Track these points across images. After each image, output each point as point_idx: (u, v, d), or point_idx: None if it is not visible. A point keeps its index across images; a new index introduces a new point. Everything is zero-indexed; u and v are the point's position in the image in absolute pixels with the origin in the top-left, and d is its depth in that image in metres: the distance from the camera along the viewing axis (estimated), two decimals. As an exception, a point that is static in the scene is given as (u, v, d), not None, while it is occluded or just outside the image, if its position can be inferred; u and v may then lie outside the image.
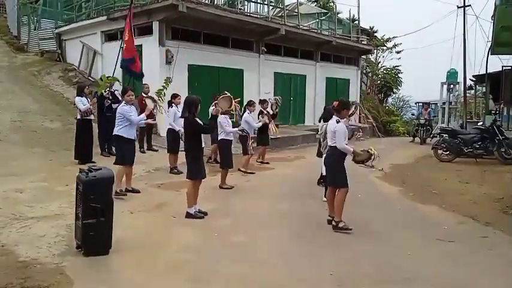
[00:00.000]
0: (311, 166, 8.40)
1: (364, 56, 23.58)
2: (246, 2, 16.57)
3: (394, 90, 27.89)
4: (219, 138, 7.59)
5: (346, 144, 5.32)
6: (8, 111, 11.37)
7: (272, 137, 11.22)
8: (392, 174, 9.70)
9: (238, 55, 14.73)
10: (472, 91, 22.91)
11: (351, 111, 8.25)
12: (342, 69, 19.98)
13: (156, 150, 10.48)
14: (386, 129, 22.90)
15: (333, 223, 5.41)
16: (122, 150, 6.60)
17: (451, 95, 18.41)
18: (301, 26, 16.68)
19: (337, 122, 5.29)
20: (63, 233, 4.95)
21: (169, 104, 8.58)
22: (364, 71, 25.78)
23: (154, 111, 7.82)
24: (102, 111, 9.37)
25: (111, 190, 4.65)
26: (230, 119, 7.82)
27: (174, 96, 8.70)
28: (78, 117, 8.85)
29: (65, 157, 8.99)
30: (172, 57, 12.31)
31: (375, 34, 27.59)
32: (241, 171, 8.86)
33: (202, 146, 5.82)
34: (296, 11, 17.19)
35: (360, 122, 20.79)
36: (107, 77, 9.15)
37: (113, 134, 6.67)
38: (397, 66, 27.72)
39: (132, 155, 6.73)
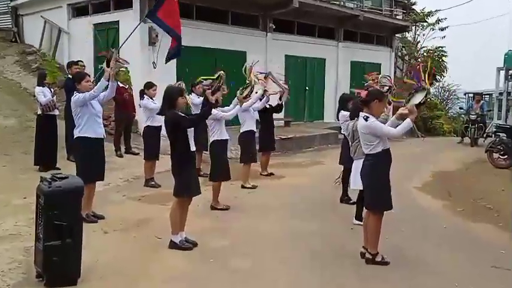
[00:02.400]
0: (332, 174, 8.39)
1: (399, 35, 23.54)
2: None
3: (438, 77, 27.79)
4: (211, 139, 7.21)
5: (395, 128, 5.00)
6: (-49, 105, 11.48)
7: (283, 137, 11.12)
8: (435, 184, 9.66)
9: (240, 34, 14.79)
10: (538, 78, 22.73)
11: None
12: (371, 51, 19.99)
13: (137, 154, 10.51)
14: (428, 127, 22.80)
15: (367, 256, 5.23)
16: (85, 159, 6.13)
17: (510, 83, 18.27)
18: (319, -3, 16.70)
19: (366, 118, 4.99)
20: (19, 258, 4.98)
21: (141, 95, 8.51)
22: (399, 53, 25.71)
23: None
24: (68, 107, 9.42)
25: (80, 204, 4.67)
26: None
27: (148, 86, 8.47)
28: (39, 112, 8.92)
29: (23, 162, 9.04)
30: (156, 36, 12.35)
31: (413, 7, 27.50)
32: (245, 187, 8.62)
33: (192, 149, 5.44)
34: (313, -23, 17.23)
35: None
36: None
37: (74, 137, 6.26)
38: (441, 47, 27.59)
39: (100, 165, 6.30)
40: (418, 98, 5.15)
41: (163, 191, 7.99)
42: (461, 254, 5.72)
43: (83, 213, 5.93)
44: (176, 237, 5.49)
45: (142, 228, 6.20)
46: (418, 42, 28.25)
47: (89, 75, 6.67)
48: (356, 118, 6.14)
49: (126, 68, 8.20)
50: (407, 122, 4.99)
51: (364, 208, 5.65)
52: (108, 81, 6.13)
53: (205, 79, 7.50)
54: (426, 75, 5.22)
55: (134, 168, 9.25)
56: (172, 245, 5.46)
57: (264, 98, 8.83)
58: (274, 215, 7.08)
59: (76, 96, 6.11)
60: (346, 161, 7.08)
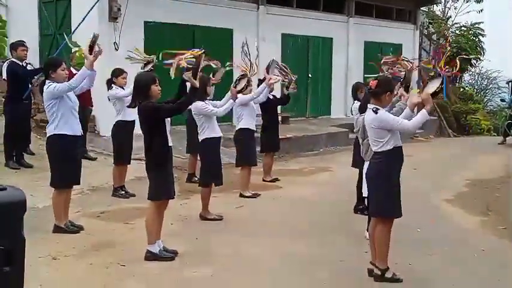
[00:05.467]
0: (342, 183, 8.44)
1: (425, 8, 23.63)
2: None
3: (473, 61, 27.94)
4: (201, 138, 7.44)
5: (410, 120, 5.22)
6: None
7: (280, 137, 11.07)
8: (470, 195, 9.70)
9: (225, 7, 14.79)
10: None
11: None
12: (389, 29, 20.08)
13: (94, 159, 10.49)
14: (461, 124, 22.95)
15: (375, 272, 5.43)
16: (61, 160, 6.51)
17: None
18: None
19: (375, 111, 5.24)
20: None
21: (109, 84, 8.50)
22: (425, 31, 25.82)
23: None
24: (17, 97, 9.31)
25: (22, 222, 4.64)
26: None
27: (117, 73, 8.55)
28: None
29: None
30: (119, 10, 12.34)
31: (443, -27, 27.68)
32: (243, 196, 8.85)
33: (169, 144, 5.89)
34: None
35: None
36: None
37: (47, 135, 6.62)
38: (478, 23, 27.78)
39: (78, 167, 6.76)
40: (433, 85, 5.37)
41: (127, 206, 7.97)
42: (503, 285, 5.73)
43: (61, 224, 6.58)
44: (153, 246, 5.80)
45: (102, 253, 6.16)
46: (448, 18, 28.40)
47: (64, 62, 6.85)
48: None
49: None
50: (423, 114, 5.23)
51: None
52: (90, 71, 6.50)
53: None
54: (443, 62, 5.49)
55: (91, 176, 9.20)
56: (150, 256, 5.78)
57: (266, 89, 8.87)
58: (268, 236, 7.07)
59: (52, 86, 6.36)
60: (360, 162, 7.17)
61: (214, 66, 8.02)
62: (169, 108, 5.83)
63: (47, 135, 6.61)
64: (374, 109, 5.24)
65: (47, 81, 6.48)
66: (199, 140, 7.49)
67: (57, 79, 6.45)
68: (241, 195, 8.84)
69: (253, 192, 8.97)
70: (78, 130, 6.65)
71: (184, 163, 10.28)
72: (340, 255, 6.39)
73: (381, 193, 5.38)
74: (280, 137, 10.63)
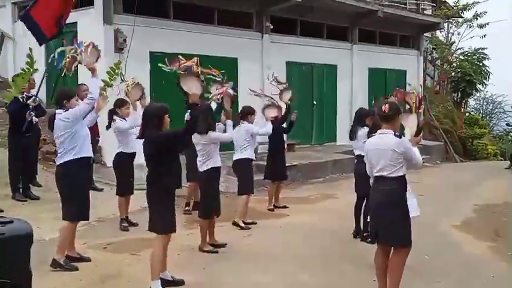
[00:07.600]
0: (348, 210, 8.39)
1: (428, 34, 23.74)
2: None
3: (478, 86, 28.02)
4: (202, 168, 7.40)
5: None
6: None
7: (286, 164, 11.12)
8: (479, 221, 9.65)
9: (230, 36, 14.90)
10: None
11: None
12: (393, 55, 20.19)
13: (101, 190, 10.49)
14: (468, 149, 22.92)
15: None
16: (74, 192, 6.52)
17: None
18: (327, -11, 16.90)
19: (399, 136, 5.34)
20: (-49, 326, 4.93)
21: (111, 116, 8.44)
22: (430, 57, 25.95)
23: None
24: (17, 130, 9.40)
25: (29, 255, 4.64)
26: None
27: (120, 103, 8.51)
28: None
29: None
30: (124, 41, 12.47)
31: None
32: (237, 225, 8.74)
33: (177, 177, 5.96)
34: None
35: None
36: (24, 72, 9.25)
37: (56, 165, 6.67)
38: (482, 48, 27.91)
39: (87, 200, 6.75)
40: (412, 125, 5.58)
41: (133, 237, 7.96)
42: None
43: (60, 260, 6.43)
44: (156, 283, 5.68)
45: (108, 284, 6.14)
46: (452, 43, 28.54)
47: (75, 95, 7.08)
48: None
49: (111, 78, 8.78)
50: (416, 149, 5.42)
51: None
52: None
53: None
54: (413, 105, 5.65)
55: (98, 208, 9.21)
56: None
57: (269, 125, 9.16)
58: (275, 265, 7.04)
59: (73, 110, 6.51)
60: (361, 187, 7.42)
61: (214, 74, 8.18)
62: (175, 132, 5.75)
63: (56, 163, 6.67)
64: (397, 134, 5.29)
65: (59, 110, 6.55)
66: (201, 171, 7.43)
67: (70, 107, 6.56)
68: (234, 224, 8.72)
69: (250, 221, 8.93)
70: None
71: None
72: (349, 283, 6.37)
73: (406, 221, 5.39)
74: (286, 164, 10.69)
